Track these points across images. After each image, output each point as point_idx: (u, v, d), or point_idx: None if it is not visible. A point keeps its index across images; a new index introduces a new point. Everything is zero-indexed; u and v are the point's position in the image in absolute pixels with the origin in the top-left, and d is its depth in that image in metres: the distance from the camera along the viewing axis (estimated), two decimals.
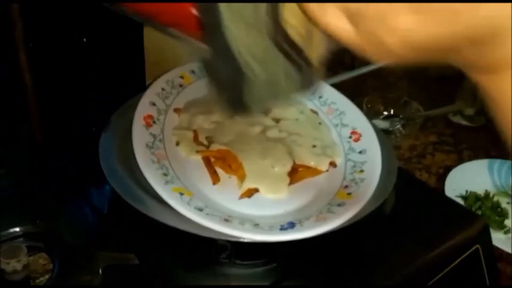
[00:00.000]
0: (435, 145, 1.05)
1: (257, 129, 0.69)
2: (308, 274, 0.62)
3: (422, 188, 0.79)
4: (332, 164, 0.69)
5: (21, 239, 0.61)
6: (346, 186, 0.64)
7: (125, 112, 0.72)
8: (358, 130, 0.73)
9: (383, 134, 0.74)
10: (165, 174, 0.62)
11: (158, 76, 0.81)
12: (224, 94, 0.36)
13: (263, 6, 0.32)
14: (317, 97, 0.79)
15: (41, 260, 0.60)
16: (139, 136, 0.66)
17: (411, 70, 1.09)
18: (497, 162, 0.99)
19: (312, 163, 0.67)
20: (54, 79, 0.79)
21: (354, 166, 0.68)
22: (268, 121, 0.71)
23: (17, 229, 0.62)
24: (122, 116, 0.72)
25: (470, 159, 1.02)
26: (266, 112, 0.73)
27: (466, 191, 0.92)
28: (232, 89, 0.35)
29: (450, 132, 1.09)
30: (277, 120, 0.72)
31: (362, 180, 0.64)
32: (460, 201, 0.90)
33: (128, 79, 0.88)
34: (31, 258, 0.58)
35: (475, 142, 1.07)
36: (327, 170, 0.68)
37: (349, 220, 0.59)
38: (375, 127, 0.73)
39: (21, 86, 0.76)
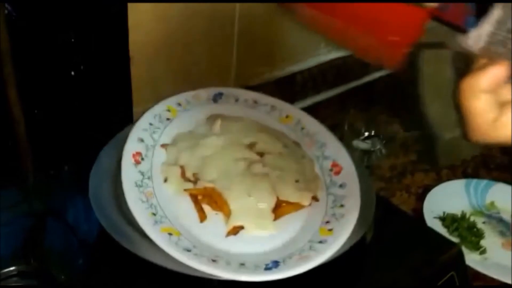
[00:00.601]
0: (414, 164, 1.08)
1: (242, 165, 0.72)
2: None
3: (400, 216, 0.82)
4: (314, 198, 0.71)
5: (15, 278, 0.63)
6: (327, 222, 0.67)
7: (113, 146, 0.74)
8: (339, 163, 0.75)
9: (362, 167, 0.77)
10: (153, 214, 0.64)
11: (145, 109, 0.84)
12: None
13: None
14: (300, 128, 0.82)
15: None
16: (128, 175, 0.68)
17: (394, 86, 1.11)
18: (473, 182, 1.03)
19: (295, 199, 0.70)
20: (44, 113, 0.81)
21: (334, 201, 0.70)
22: (252, 156, 0.74)
23: (12, 268, 0.64)
24: (110, 150, 0.74)
25: (448, 177, 1.05)
26: (250, 147, 0.76)
27: (444, 212, 0.95)
28: None
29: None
30: (261, 154, 0.75)
31: (342, 215, 0.67)
32: (438, 223, 0.94)
33: (115, 109, 0.90)
34: None
35: (453, 160, 1.10)
36: (310, 204, 0.71)
37: (330, 257, 0.62)
38: (354, 160, 0.76)
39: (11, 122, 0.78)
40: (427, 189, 1.01)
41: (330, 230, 0.66)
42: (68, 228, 0.69)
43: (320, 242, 0.64)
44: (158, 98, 0.86)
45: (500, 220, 0.97)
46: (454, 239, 0.90)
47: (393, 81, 1.33)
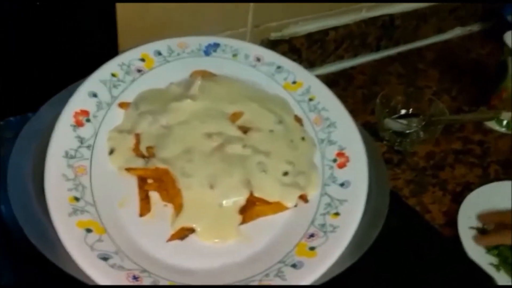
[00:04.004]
0: (457, 155, 0.84)
1: (214, 142, 0.51)
2: None
3: (421, 226, 0.60)
4: (303, 198, 0.50)
5: None
6: (311, 235, 0.46)
7: (59, 102, 0.55)
8: (346, 152, 0.53)
9: (379, 160, 0.55)
10: (76, 199, 0.45)
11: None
12: None
13: None
14: (307, 99, 0.60)
15: None
16: (61, 140, 0.49)
17: (445, 57, 0.85)
18: None
19: (275, 197, 0.49)
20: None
21: (329, 205, 0.49)
22: (232, 131, 0.53)
23: None
24: (55, 107, 0.55)
25: (497, 176, 0.81)
26: (234, 118, 0.55)
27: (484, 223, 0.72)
28: None
29: (478, 139, 0.88)
30: (245, 130, 0.54)
31: (334, 229, 0.46)
32: (475, 234, 0.71)
33: (95, 52, 0.70)
34: None
35: (508, 155, 0.85)
36: (295, 206, 0.50)
37: None
38: (370, 149, 0.54)
39: None
40: (467, 187, 0.77)
41: (313, 249, 0.45)
42: None
43: (293, 266, 0.43)
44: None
45: None
46: (491, 259, 0.67)
47: (449, 49, 1.07)
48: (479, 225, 0.71)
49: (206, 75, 0.60)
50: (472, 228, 0.71)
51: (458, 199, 0.75)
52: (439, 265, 0.55)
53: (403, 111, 0.85)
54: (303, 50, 0.90)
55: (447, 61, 1.03)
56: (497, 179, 0.79)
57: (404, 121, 0.83)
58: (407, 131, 0.82)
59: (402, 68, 1.00)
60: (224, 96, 0.56)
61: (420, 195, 0.76)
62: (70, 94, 0.56)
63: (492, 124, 0.89)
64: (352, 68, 0.98)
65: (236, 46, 0.64)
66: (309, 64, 0.92)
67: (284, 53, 0.73)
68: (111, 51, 0.72)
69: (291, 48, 0.88)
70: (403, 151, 0.82)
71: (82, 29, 0.69)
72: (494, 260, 0.67)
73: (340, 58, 0.96)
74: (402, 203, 0.58)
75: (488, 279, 0.55)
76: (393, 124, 0.82)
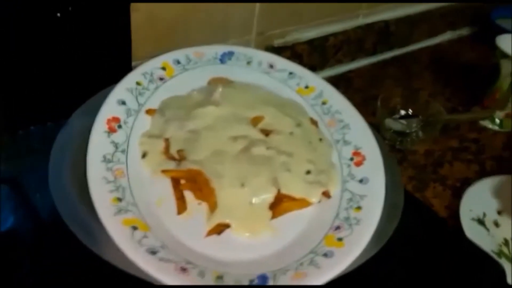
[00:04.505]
0: (454, 152, 0.89)
1: (240, 145, 0.55)
2: None
3: (430, 218, 0.65)
4: (326, 194, 0.55)
5: None
6: (337, 228, 0.51)
7: (89, 109, 0.59)
8: (362, 151, 0.58)
9: (391, 157, 0.59)
10: (118, 199, 0.49)
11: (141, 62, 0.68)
12: None
13: None
14: (320, 102, 0.64)
15: None
16: (97, 146, 0.53)
17: (437, 60, 0.91)
18: None
19: (301, 194, 0.53)
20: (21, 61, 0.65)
21: (351, 200, 0.54)
22: (255, 133, 0.57)
23: None
24: (85, 114, 0.58)
25: (493, 171, 0.86)
26: (255, 122, 0.59)
27: (484, 213, 0.77)
28: None
29: (474, 137, 0.93)
30: (266, 133, 0.58)
31: (357, 221, 0.51)
32: (476, 225, 0.76)
33: (110, 60, 0.74)
34: None
35: (501, 152, 0.91)
36: (319, 202, 0.54)
37: (334, 276, 0.45)
38: (382, 147, 0.58)
39: None
40: (467, 182, 0.82)
41: (340, 240, 0.49)
42: (22, 200, 0.54)
43: (325, 255, 0.47)
44: (161, 52, 0.70)
45: None
46: (493, 247, 0.72)
47: (441, 52, 1.13)
48: (480, 216, 0.76)
49: (223, 82, 0.64)
50: (473, 219, 0.76)
51: (458, 193, 0.80)
52: (449, 254, 0.59)
53: (402, 112, 0.90)
54: (305, 56, 0.95)
55: (439, 64, 1.09)
56: (493, 173, 0.85)
57: (404, 122, 0.88)
58: (407, 131, 0.87)
59: (397, 71, 1.06)
60: (244, 102, 0.60)
61: (422, 191, 0.81)
62: (95, 104, 0.59)
63: (486, 123, 0.95)
64: (351, 71, 1.03)
65: (249, 54, 0.68)
66: (311, 69, 0.95)
67: (287, 59, 0.78)
68: (125, 60, 0.75)
69: (294, 54, 0.93)
70: (404, 149, 0.87)
71: (98, 39, 0.72)
72: (496, 248, 0.72)
73: (339, 62, 1.01)
74: (410, 196, 0.63)
75: (497, 265, 0.59)
76: (394, 124, 0.86)
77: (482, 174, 0.85)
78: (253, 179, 0.52)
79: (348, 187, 0.55)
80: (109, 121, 0.55)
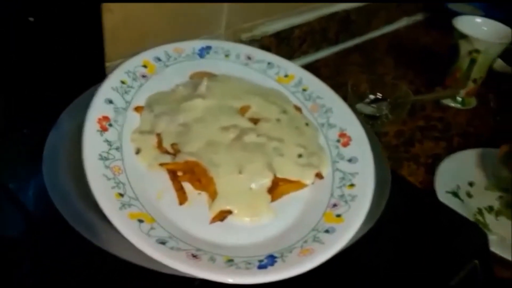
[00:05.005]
0: (423, 131, 0.94)
1: (232, 134, 0.57)
2: None
3: (412, 191, 0.68)
4: (318, 176, 0.57)
5: None
6: (334, 205, 0.53)
7: (78, 108, 0.59)
8: (348, 133, 0.61)
9: (374, 137, 0.62)
10: (120, 195, 0.50)
11: (118, 62, 0.68)
12: None
13: None
14: (301, 89, 0.67)
15: None
16: (91, 145, 0.53)
17: (396, 45, 0.96)
18: (490, 152, 0.89)
19: (295, 176, 0.55)
20: None
21: (343, 178, 0.56)
22: (244, 122, 0.59)
23: None
24: (74, 113, 0.59)
25: (460, 146, 0.92)
26: (242, 112, 0.61)
27: (458, 186, 0.82)
28: None
29: (439, 116, 0.98)
30: (255, 121, 0.60)
31: (352, 198, 0.53)
32: (452, 198, 0.80)
33: (83, 62, 0.74)
34: None
35: (466, 128, 0.96)
36: (313, 183, 0.56)
37: (339, 250, 0.48)
38: (365, 128, 0.61)
39: None
40: (437, 158, 0.87)
41: (339, 216, 0.51)
42: (15, 203, 0.54)
43: (327, 231, 0.50)
44: (135, 52, 0.71)
45: None
46: (469, 216, 0.76)
47: (399, 38, 1.18)
48: (454, 189, 0.81)
49: (206, 75, 0.65)
50: (448, 192, 0.80)
51: (430, 169, 0.84)
52: (433, 224, 0.63)
53: (371, 97, 0.93)
54: (273, 48, 0.97)
55: (398, 49, 1.14)
56: (460, 148, 0.90)
57: (374, 105, 0.92)
58: (378, 114, 0.90)
59: (360, 58, 1.10)
60: (229, 93, 0.62)
61: (398, 170, 0.85)
62: (81, 104, 0.60)
63: (448, 102, 1.00)
64: (317, 61, 1.06)
65: (226, 47, 0.70)
66: None
67: None
68: (98, 61, 0.76)
69: (262, 46, 0.95)
70: (376, 132, 0.91)
71: (71, 42, 0.72)
72: (472, 217, 0.76)
73: (305, 53, 1.04)
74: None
75: (476, 227, 0.63)
76: (364, 108, 0.90)
77: (450, 149, 0.90)
78: (249, 165, 0.54)
79: (339, 167, 0.57)
80: (99, 120, 0.55)
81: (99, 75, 0.74)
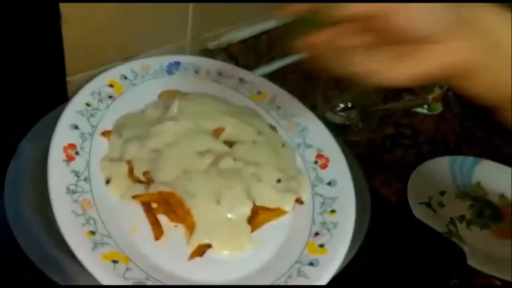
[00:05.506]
0: (393, 139, 0.94)
1: (207, 160, 0.55)
2: None
3: (387, 207, 0.68)
4: (298, 201, 0.55)
5: None
6: (316, 234, 0.52)
7: (38, 136, 0.55)
8: (325, 153, 0.59)
9: (350, 155, 0.61)
10: (92, 233, 0.47)
11: (79, 76, 0.65)
12: None
13: None
14: (275, 107, 0.65)
15: None
16: (57, 177, 0.50)
17: None
18: (458, 159, 0.90)
19: (275, 203, 0.54)
20: None
21: (323, 204, 0.55)
22: (219, 146, 0.57)
23: None
24: (34, 141, 0.55)
25: (429, 153, 0.92)
26: (217, 134, 0.58)
27: (430, 197, 0.82)
28: None
29: (407, 122, 0.99)
30: (230, 144, 0.58)
31: (335, 225, 0.52)
32: (425, 208, 0.81)
33: (43, 78, 0.70)
34: None
35: (434, 134, 0.97)
36: (293, 209, 0.55)
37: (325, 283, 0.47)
38: (341, 146, 0.60)
39: None
40: (408, 167, 0.87)
41: (322, 246, 0.50)
42: None
43: (311, 264, 0.48)
44: (96, 65, 0.67)
45: (488, 204, 0.84)
46: (441, 229, 0.77)
47: None
48: (426, 200, 0.81)
49: (176, 94, 0.62)
50: (421, 203, 0.81)
51: (401, 178, 0.84)
52: (411, 241, 0.63)
53: (341, 105, 0.93)
54: (240, 56, 0.95)
55: None
56: (430, 156, 0.90)
57: (343, 114, 0.91)
58: (347, 123, 0.90)
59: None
60: (202, 114, 0.59)
61: (371, 181, 0.84)
62: (41, 130, 0.56)
63: (416, 108, 1.01)
64: (283, 67, 1.04)
65: (196, 63, 0.67)
66: (246, 68, 0.97)
67: (224, 61, 0.78)
68: (59, 75, 0.72)
69: (229, 55, 0.92)
70: (346, 141, 0.90)
71: (30, 57, 0.68)
72: (445, 228, 0.77)
73: (272, 59, 1.02)
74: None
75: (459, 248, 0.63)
76: (334, 117, 0.89)
77: (420, 157, 0.90)
78: (226, 193, 0.52)
79: (318, 191, 0.56)
80: (65, 148, 0.52)
81: (61, 90, 0.71)
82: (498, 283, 0.69)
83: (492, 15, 0.40)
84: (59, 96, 0.70)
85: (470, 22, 0.39)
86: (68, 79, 0.72)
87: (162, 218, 0.51)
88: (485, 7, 0.40)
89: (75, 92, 0.62)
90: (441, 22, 0.39)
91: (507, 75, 0.40)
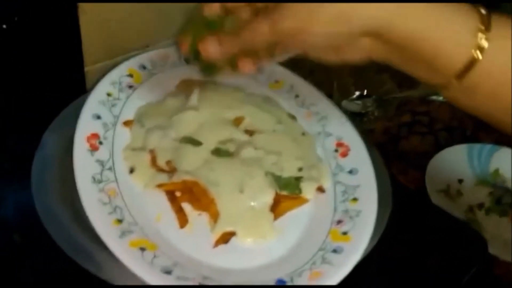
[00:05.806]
0: (409, 127, 0.94)
1: (229, 149, 0.55)
2: None
3: (405, 194, 0.68)
4: (320, 189, 0.56)
5: None
6: (339, 222, 0.52)
7: (60, 126, 0.56)
8: (345, 141, 0.60)
9: (371, 145, 0.62)
10: (119, 221, 0.48)
11: (97, 66, 0.65)
12: None
13: None
14: (293, 96, 0.65)
15: None
16: (83, 167, 0.50)
17: None
18: (476, 147, 0.90)
19: (297, 191, 0.54)
20: None
21: (345, 192, 0.55)
22: (240, 135, 0.57)
23: None
24: (57, 132, 0.56)
25: (446, 142, 0.92)
26: (237, 123, 0.59)
27: (448, 186, 0.83)
28: None
29: (424, 110, 0.98)
30: (250, 133, 0.58)
31: (357, 213, 0.53)
32: (443, 197, 0.81)
33: (62, 68, 0.70)
34: None
35: (450, 121, 0.97)
36: (315, 197, 0.55)
37: (350, 270, 0.47)
38: (362, 136, 0.61)
39: None
40: (425, 155, 0.87)
41: (345, 233, 0.51)
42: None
43: (335, 251, 0.49)
44: (113, 54, 0.68)
45: (507, 191, 0.84)
46: (460, 216, 0.77)
47: None
48: (444, 188, 0.81)
49: (194, 84, 0.63)
50: (439, 191, 0.81)
51: (419, 167, 0.84)
52: (432, 229, 0.63)
53: (357, 93, 0.93)
54: None
55: None
56: (447, 144, 0.90)
57: (359, 102, 0.91)
58: (363, 111, 0.90)
59: None
60: (222, 103, 0.60)
61: (388, 169, 0.84)
62: (65, 120, 0.57)
63: (432, 95, 1.00)
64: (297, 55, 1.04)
65: None
66: None
67: None
68: (78, 65, 0.72)
69: None
70: (362, 130, 0.90)
71: (48, 48, 0.69)
72: (463, 215, 0.77)
73: None
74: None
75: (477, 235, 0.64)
76: (350, 105, 0.89)
77: (437, 145, 0.90)
78: (249, 182, 0.52)
79: (340, 179, 0.56)
80: (88, 138, 0.53)
81: (79, 81, 0.72)
82: None
83: None
84: (77, 86, 0.71)
85: None
86: (86, 69, 0.73)
87: (186, 206, 0.52)
88: None
89: (93, 82, 0.63)
90: None
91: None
